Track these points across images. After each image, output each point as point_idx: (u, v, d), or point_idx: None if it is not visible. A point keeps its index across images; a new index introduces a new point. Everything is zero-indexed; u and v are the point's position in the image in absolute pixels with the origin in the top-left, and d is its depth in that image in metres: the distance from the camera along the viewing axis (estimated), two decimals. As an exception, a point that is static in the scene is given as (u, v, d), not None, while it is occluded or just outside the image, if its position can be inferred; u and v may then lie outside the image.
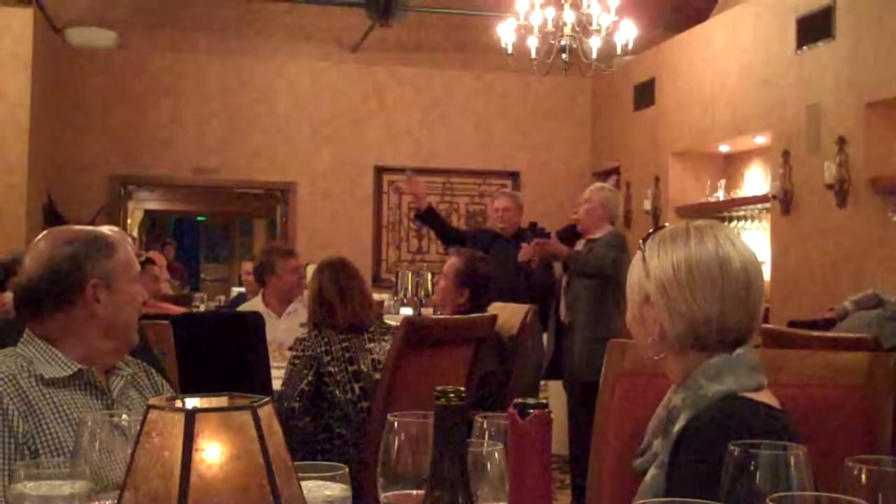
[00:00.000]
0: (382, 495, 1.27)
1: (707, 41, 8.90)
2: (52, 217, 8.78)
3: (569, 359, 5.36)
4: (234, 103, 10.63)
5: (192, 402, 1.07)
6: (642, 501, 0.95)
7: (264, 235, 16.70)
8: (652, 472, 1.73)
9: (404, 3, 9.56)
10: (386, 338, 3.90)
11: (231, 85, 10.63)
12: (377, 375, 3.76)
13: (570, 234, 5.99)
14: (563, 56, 6.97)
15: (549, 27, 6.95)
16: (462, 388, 1.09)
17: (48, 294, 2.08)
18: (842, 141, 6.88)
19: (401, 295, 6.99)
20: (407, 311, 6.46)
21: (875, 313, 3.75)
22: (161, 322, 2.89)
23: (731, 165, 9.26)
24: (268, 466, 1.02)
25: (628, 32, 6.94)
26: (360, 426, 3.82)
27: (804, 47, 7.37)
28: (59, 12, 9.69)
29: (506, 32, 7.06)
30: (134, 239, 13.46)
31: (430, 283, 6.61)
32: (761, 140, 8.31)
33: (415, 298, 6.83)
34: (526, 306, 4.39)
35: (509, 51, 7.04)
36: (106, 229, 2.24)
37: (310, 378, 3.81)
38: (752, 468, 1.13)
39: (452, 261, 4.77)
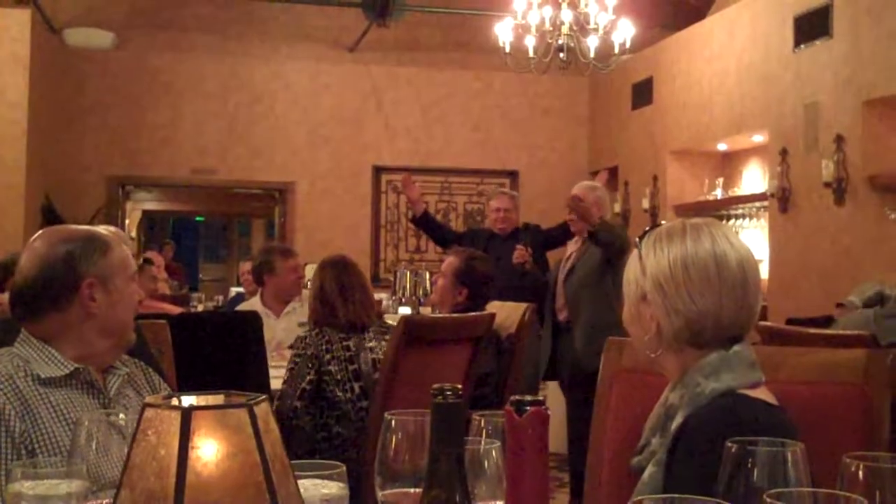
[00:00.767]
0: (380, 494, 1.27)
1: (705, 40, 8.90)
2: (51, 218, 8.77)
3: (570, 352, 5.34)
4: (233, 103, 10.62)
5: (188, 400, 1.06)
6: (639, 497, 0.95)
7: (263, 235, 16.70)
8: (650, 469, 1.73)
9: (401, 2, 9.56)
10: (386, 337, 3.90)
11: (229, 85, 10.63)
12: (377, 375, 3.75)
13: (562, 234, 5.99)
14: (561, 55, 6.96)
15: (547, 26, 6.95)
16: (459, 386, 1.09)
17: (44, 294, 2.08)
18: (839, 139, 6.89)
19: (399, 294, 7.00)
20: (405, 311, 6.46)
21: (873, 310, 3.75)
22: (158, 322, 2.88)
23: (729, 164, 9.27)
24: (264, 464, 1.02)
25: (626, 31, 6.93)
26: (359, 425, 3.82)
27: (802, 46, 7.38)
28: (57, 13, 9.68)
29: (503, 32, 7.06)
30: (132, 239, 13.46)
31: (428, 282, 6.61)
32: (759, 138, 8.31)
33: (413, 298, 6.83)
34: (524, 305, 4.38)
35: (507, 50, 7.04)
36: (103, 229, 2.24)
37: (311, 377, 3.81)
38: (749, 465, 1.13)
39: (450, 260, 4.76)
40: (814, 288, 6.94)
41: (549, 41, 7.02)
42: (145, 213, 15.73)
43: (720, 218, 8.46)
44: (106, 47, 10.39)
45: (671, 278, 1.73)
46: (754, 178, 8.81)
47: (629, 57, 7.49)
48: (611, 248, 5.08)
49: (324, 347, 3.85)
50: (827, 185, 6.98)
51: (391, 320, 4.54)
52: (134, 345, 2.25)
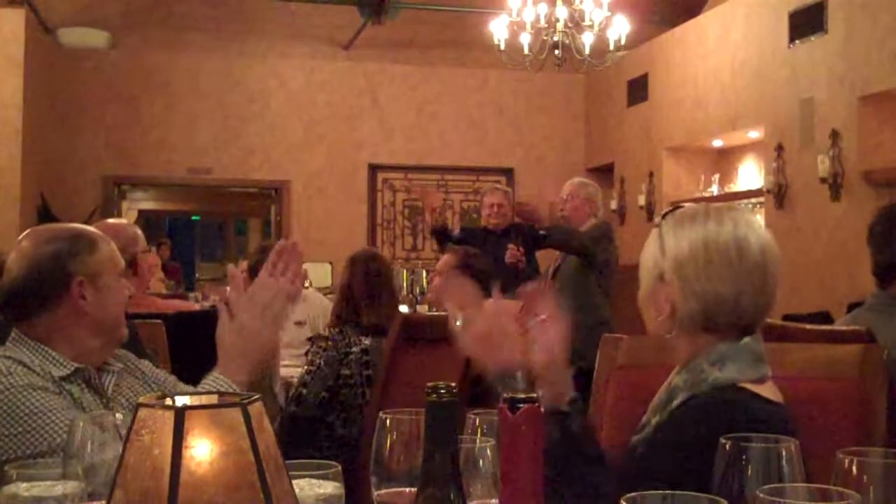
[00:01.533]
0: (375, 493, 1.27)
1: (700, 36, 8.90)
2: (46, 218, 8.76)
3: None
4: (228, 102, 10.62)
5: (181, 400, 1.06)
6: (633, 494, 0.95)
7: (259, 234, 16.68)
8: (640, 449, 1.73)
9: (396, 0, 9.55)
10: None
11: (224, 84, 10.62)
12: None
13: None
14: (556, 52, 6.96)
15: (542, 23, 6.95)
16: (453, 384, 1.09)
17: (33, 294, 2.07)
18: (835, 134, 6.89)
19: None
20: (403, 309, 6.44)
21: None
22: (154, 321, 2.88)
23: (724, 160, 9.27)
24: (258, 464, 1.02)
25: (621, 28, 6.94)
26: (361, 428, 3.80)
27: (796, 41, 7.38)
28: (51, 12, 9.66)
29: (498, 29, 7.05)
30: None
31: (424, 280, 6.59)
32: (755, 134, 8.32)
33: (410, 296, 6.82)
34: (518, 302, 4.37)
35: (502, 47, 7.04)
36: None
37: (330, 383, 3.78)
38: (743, 461, 1.13)
39: (447, 258, 4.76)
40: (810, 283, 6.94)
41: (545, 38, 7.02)
42: (141, 212, 15.69)
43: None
44: (101, 47, 10.37)
45: (691, 259, 1.71)
46: (750, 174, 8.81)
47: (624, 53, 7.50)
48: (566, 248, 5.13)
49: (344, 350, 3.82)
50: (823, 180, 6.98)
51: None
52: (128, 343, 2.25)
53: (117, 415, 1.53)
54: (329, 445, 3.84)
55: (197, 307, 6.50)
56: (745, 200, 8.53)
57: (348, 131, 10.84)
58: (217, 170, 10.65)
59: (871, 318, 2.62)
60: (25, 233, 2.17)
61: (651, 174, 9.52)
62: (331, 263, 9.10)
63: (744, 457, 1.14)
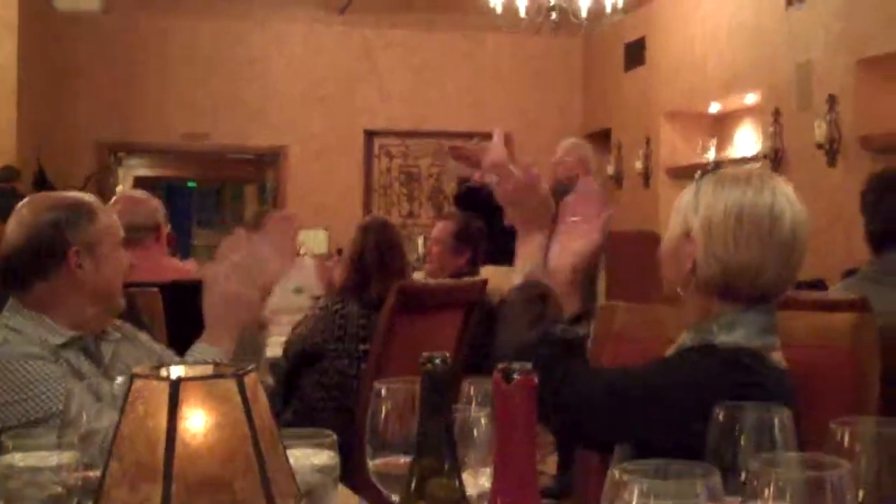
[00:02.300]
0: (370, 462, 1.28)
1: None
2: (42, 183, 8.74)
3: None
4: (224, 67, 10.55)
5: (176, 371, 1.07)
6: (626, 465, 0.95)
7: (256, 200, 16.64)
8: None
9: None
10: None
11: (220, 48, 10.55)
12: None
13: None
14: (553, 16, 6.92)
15: (539, -15, 6.90)
16: (448, 354, 1.09)
17: (31, 262, 2.07)
18: (832, 99, 6.86)
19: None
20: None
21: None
22: (150, 290, 2.88)
23: (722, 125, 9.24)
24: (253, 435, 1.02)
25: (618, -9, 6.90)
26: (354, 398, 3.82)
27: (794, 3, 7.33)
28: (45, -23, 9.58)
29: (494, -9, 7.00)
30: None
31: (421, 246, 6.58)
32: (752, 99, 8.28)
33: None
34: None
35: (498, 11, 6.99)
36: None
37: (318, 339, 3.79)
38: (737, 430, 1.14)
39: (444, 225, 4.75)
40: (808, 249, 6.93)
41: (541, 1, 6.97)
42: (137, 179, 15.64)
43: (713, 179, 8.44)
44: (94, 10, 10.28)
45: (722, 223, 1.70)
46: (747, 140, 8.78)
47: (622, 17, 7.45)
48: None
49: (338, 323, 3.80)
50: (819, 146, 6.96)
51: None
52: (125, 311, 2.26)
53: (116, 381, 1.53)
54: (323, 407, 3.84)
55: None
56: (742, 166, 8.52)
57: (345, 96, 10.78)
58: (213, 135, 10.60)
59: (865, 287, 2.62)
60: (24, 200, 2.17)
61: (648, 140, 9.49)
62: (326, 230, 9.10)
63: (737, 425, 1.15)
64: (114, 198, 3.96)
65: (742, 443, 1.14)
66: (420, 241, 6.81)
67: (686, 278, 1.75)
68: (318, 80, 10.71)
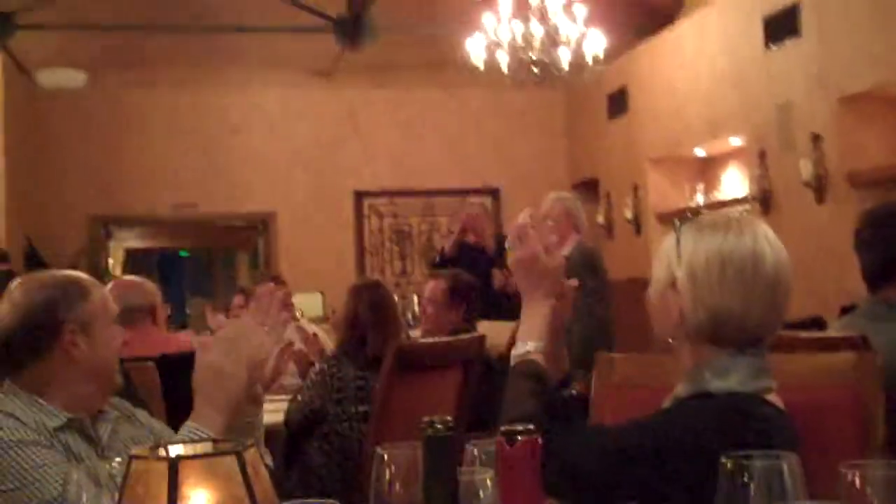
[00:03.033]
0: (376, 528, 1.26)
1: (676, 46, 8.94)
2: (34, 261, 8.72)
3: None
4: (209, 136, 10.59)
5: (175, 450, 1.05)
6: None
7: (247, 267, 16.62)
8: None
9: (373, 25, 9.56)
10: None
11: (204, 117, 10.61)
12: None
13: None
14: (534, 70, 6.97)
15: (519, 41, 6.96)
16: (449, 418, 1.08)
17: (25, 343, 2.05)
18: (816, 138, 6.91)
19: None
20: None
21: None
22: (146, 364, 2.86)
23: (708, 169, 9.29)
24: (256, 511, 1.01)
25: (597, 43, 6.96)
26: (356, 462, 3.79)
27: (772, 46, 7.41)
28: (28, 54, 9.64)
29: (475, 48, 7.06)
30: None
31: (416, 305, 6.56)
32: (737, 142, 8.34)
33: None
34: (513, 323, 4.36)
35: (481, 68, 7.04)
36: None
37: (317, 405, 3.79)
38: (745, 479, 1.12)
39: (436, 283, 4.75)
40: (800, 287, 6.87)
41: (522, 56, 7.02)
42: (128, 251, 15.64)
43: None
44: (78, 87, 10.34)
45: (706, 271, 1.70)
46: (734, 182, 8.83)
47: (602, 67, 7.51)
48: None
49: (336, 386, 3.81)
50: (807, 184, 7.00)
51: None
52: (122, 389, 2.23)
53: (114, 462, 1.50)
54: (326, 474, 3.82)
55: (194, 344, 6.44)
56: (731, 208, 8.54)
57: (331, 158, 10.82)
58: (202, 204, 10.61)
59: (864, 324, 2.62)
60: (17, 281, 2.16)
61: (636, 187, 9.53)
62: (322, 293, 9.08)
63: (745, 474, 1.13)
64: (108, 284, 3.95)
65: (752, 492, 1.12)
66: (415, 299, 6.79)
67: (675, 328, 1.75)
68: (302, 143, 10.76)
